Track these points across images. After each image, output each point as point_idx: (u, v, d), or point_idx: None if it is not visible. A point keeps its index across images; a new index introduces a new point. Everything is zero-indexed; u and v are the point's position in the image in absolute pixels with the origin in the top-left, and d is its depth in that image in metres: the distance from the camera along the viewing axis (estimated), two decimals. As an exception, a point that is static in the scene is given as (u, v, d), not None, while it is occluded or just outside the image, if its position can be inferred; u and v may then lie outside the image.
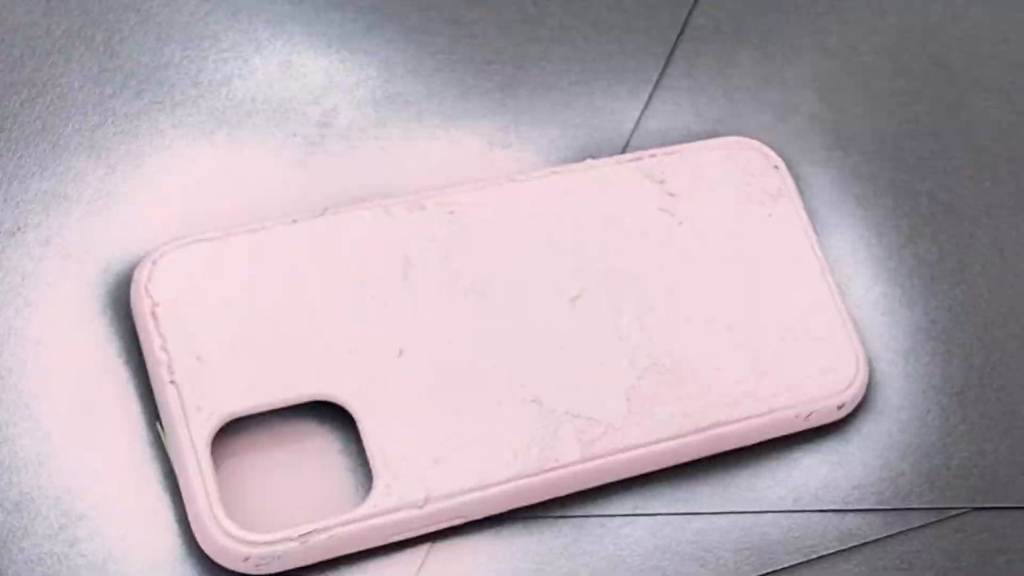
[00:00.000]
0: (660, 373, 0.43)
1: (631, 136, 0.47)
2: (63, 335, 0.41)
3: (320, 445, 0.41)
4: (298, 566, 0.40)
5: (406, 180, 0.44)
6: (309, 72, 0.45)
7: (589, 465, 0.42)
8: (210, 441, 0.40)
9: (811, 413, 0.44)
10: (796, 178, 0.47)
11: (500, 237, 0.44)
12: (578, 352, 0.43)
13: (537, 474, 0.41)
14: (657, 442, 0.42)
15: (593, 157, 0.46)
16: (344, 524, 0.40)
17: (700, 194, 0.46)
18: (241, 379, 0.40)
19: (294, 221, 0.42)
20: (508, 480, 0.41)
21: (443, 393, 0.42)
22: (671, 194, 0.45)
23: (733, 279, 0.45)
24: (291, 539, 0.39)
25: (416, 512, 0.40)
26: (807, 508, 0.44)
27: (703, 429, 0.43)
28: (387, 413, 0.41)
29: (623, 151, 0.47)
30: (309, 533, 0.40)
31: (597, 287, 0.44)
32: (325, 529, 0.40)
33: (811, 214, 0.47)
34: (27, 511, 0.39)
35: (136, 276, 0.41)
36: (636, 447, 0.42)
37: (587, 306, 0.43)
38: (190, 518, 0.40)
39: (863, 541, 0.44)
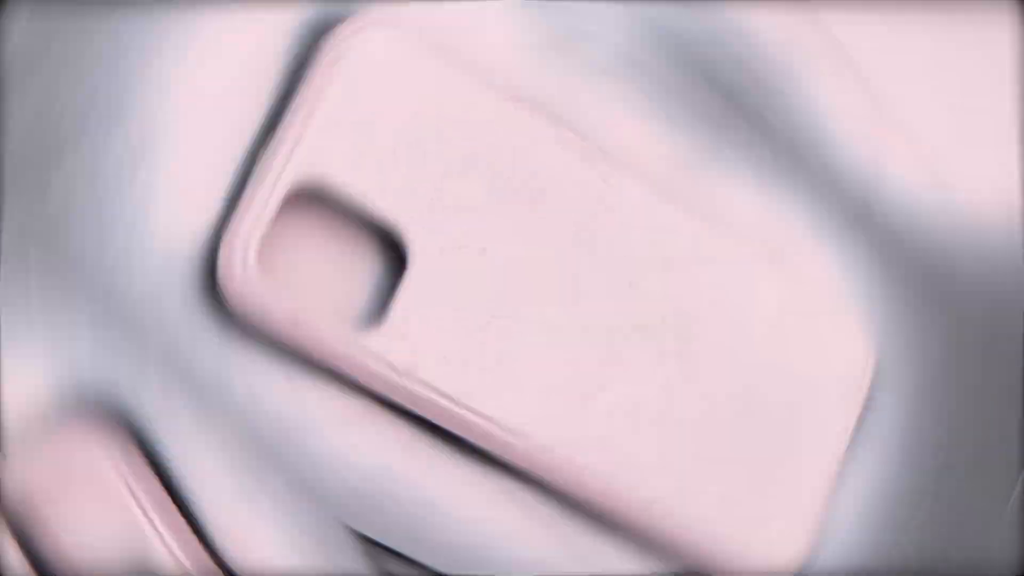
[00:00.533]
0: None
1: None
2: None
3: (364, 267, 0.42)
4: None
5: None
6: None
7: None
8: (288, 186, 0.40)
9: None
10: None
11: (627, 222, 0.43)
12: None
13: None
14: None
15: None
16: (330, 341, 0.41)
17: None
18: (353, 165, 0.41)
19: (507, 98, 0.42)
20: (487, 419, 0.41)
21: (496, 309, 0.42)
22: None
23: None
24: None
25: (392, 377, 0.41)
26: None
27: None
28: (436, 284, 0.41)
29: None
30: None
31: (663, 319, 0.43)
32: (316, 330, 0.40)
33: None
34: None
35: (335, 32, 0.41)
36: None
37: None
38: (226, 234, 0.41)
39: None
